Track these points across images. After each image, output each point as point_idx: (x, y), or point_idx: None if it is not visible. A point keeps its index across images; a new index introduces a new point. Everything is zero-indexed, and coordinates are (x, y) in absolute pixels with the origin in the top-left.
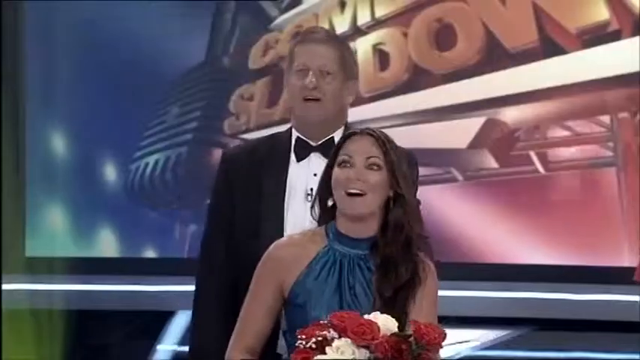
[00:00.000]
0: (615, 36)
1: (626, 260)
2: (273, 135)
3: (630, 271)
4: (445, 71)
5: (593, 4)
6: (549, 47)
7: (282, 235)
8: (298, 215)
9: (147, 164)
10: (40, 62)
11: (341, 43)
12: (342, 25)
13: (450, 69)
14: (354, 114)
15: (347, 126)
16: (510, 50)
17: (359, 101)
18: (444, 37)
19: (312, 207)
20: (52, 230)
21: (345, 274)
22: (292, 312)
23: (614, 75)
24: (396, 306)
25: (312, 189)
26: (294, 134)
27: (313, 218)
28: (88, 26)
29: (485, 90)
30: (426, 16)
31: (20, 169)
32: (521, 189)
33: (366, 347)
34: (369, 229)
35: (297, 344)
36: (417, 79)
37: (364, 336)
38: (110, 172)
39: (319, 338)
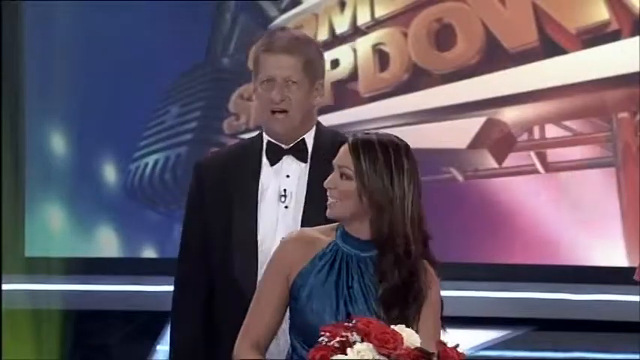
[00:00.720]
0: (615, 36)
1: (626, 260)
2: (244, 141)
3: (630, 271)
4: (445, 71)
5: (593, 4)
6: (549, 47)
7: (254, 237)
8: (271, 216)
9: (146, 164)
10: (40, 62)
11: (305, 47)
12: (341, 25)
13: (449, 69)
14: (355, 114)
15: (318, 126)
16: (510, 50)
17: (359, 101)
18: (443, 37)
19: None
20: (52, 230)
21: (345, 274)
22: (294, 307)
23: (614, 75)
24: (395, 319)
25: (285, 190)
26: (265, 138)
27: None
28: (87, 26)
29: (485, 90)
30: (426, 16)
31: (19, 169)
32: (521, 189)
33: (387, 356)
34: (362, 232)
35: (319, 340)
36: (417, 79)
37: (387, 344)
38: (110, 172)
39: (343, 339)
